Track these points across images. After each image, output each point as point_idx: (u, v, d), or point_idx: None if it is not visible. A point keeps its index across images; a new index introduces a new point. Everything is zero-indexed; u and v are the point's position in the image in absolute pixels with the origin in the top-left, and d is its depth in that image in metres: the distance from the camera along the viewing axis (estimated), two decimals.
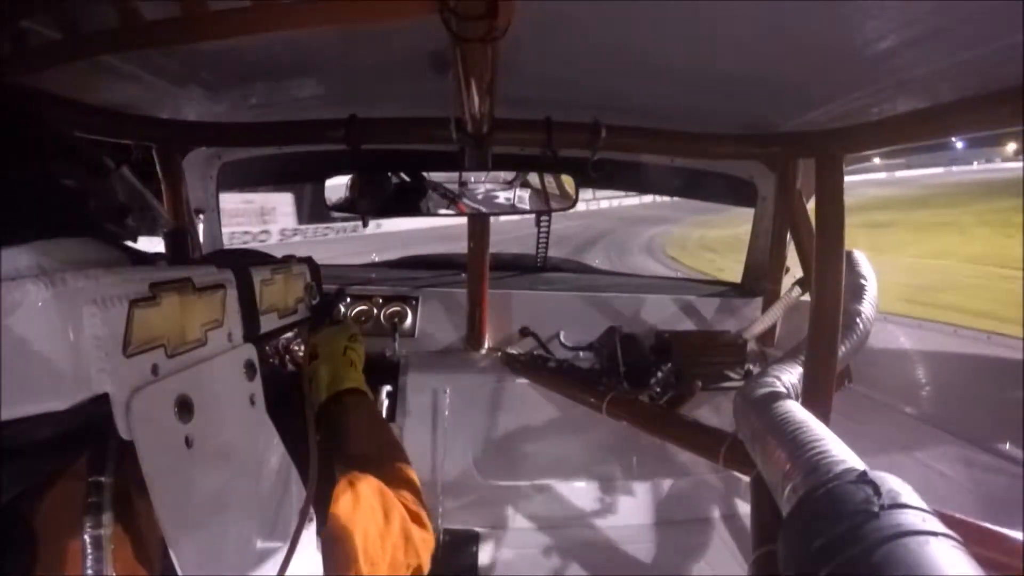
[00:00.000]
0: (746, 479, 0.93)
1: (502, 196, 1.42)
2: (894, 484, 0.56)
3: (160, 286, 0.40)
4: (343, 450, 0.67)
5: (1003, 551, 0.67)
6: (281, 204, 14.62)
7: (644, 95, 1.06)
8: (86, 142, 1.00)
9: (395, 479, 0.66)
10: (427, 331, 1.58)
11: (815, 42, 0.73)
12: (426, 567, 0.64)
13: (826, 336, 1.00)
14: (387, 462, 0.68)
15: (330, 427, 0.71)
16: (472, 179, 1.38)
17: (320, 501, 0.52)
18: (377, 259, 2.30)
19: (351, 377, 0.80)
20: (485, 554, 1.45)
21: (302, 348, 0.78)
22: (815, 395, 0.98)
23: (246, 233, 12.89)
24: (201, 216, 1.54)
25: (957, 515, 0.67)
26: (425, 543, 0.64)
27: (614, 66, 0.89)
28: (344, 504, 0.55)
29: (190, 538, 0.39)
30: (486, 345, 1.57)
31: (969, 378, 1.10)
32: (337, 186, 1.36)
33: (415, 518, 0.64)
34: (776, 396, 0.90)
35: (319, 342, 0.81)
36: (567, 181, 1.40)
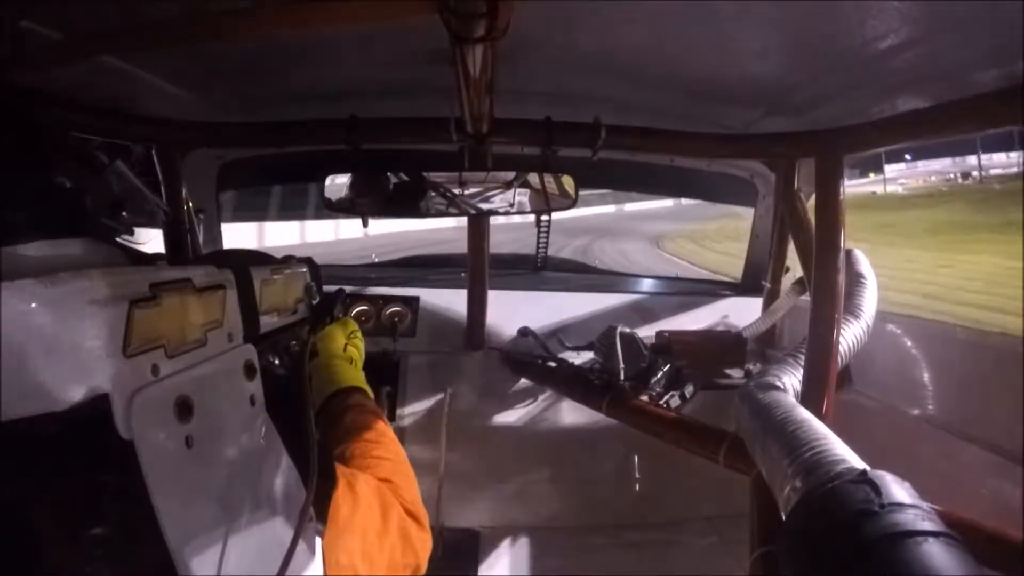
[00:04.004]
0: (746, 479, 0.93)
1: (502, 196, 1.42)
2: (894, 484, 0.56)
3: (160, 286, 0.40)
4: (342, 449, 0.67)
5: (1003, 551, 0.67)
6: None
7: (644, 95, 1.06)
8: (79, 139, 1.00)
9: (393, 478, 0.66)
10: (427, 331, 1.58)
11: (815, 42, 0.73)
12: (424, 566, 0.64)
13: (826, 336, 1.00)
14: (385, 461, 0.68)
15: (329, 425, 0.72)
16: (472, 179, 1.38)
17: (319, 500, 0.52)
18: (377, 259, 2.30)
19: (351, 375, 0.80)
20: (485, 554, 1.45)
21: (301, 348, 0.78)
22: (815, 395, 0.98)
23: None
24: (201, 216, 1.53)
25: (957, 514, 0.67)
26: (423, 542, 0.64)
27: (614, 66, 0.89)
28: (343, 504, 0.55)
29: (190, 538, 0.39)
30: (486, 345, 1.57)
31: (969, 377, 1.10)
32: (337, 186, 1.36)
33: (413, 517, 0.64)
34: (776, 396, 0.90)
35: (318, 340, 0.81)
36: (567, 181, 1.40)
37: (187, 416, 0.40)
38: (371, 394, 0.81)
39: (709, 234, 15.35)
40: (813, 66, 0.81)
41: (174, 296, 0.41)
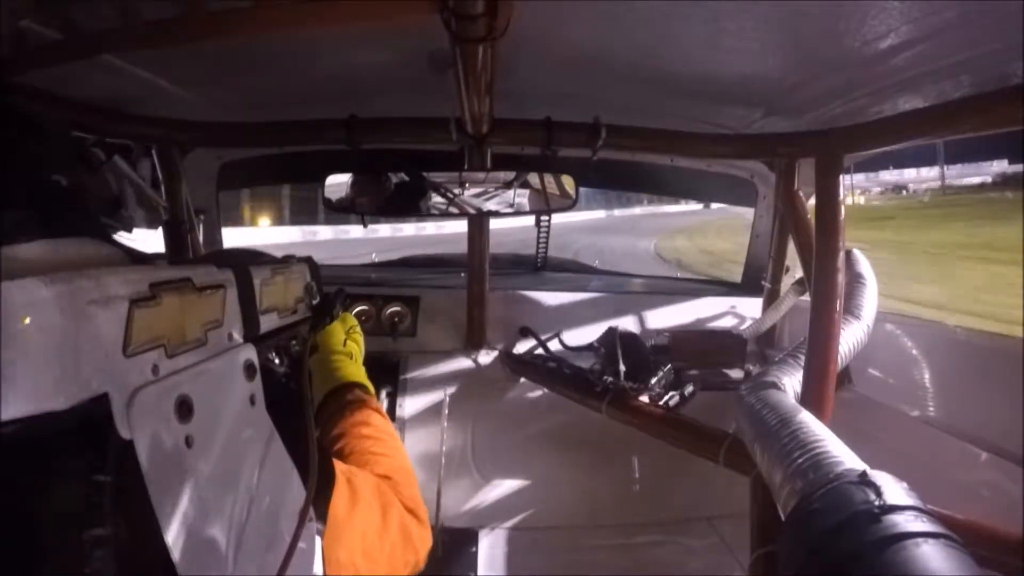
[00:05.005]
0: (746, 479, 0.93)
1: (502, 196, 1.42)
2: (894, 485, 0.56)
3: (160, 286, 0.40)
4: (341, 445, 0.68)
5: (1003, 551, 0.67)
6: None
7: (644, 95, 1.06)
8: (76, 138, 1.00)
9: (393, 475, 0.66)
10: (427, 331, 1.58)
11: (815, 42, 0.73)
12: (423, 563, 0.65)
13: (826, 336, 1.00)
14: (385, 457, 0.68)
15: (329, 422, 0.72)
16: (472, 179, 1.38)
17: (319, 499, 0.52)
18: (377, 259, 2.30)
19: (351, 371, 0.80)
20: (485, 553, 1.45)
21: (301, 347, 0.78)
22: (815, 395, 0.98)
23: None
24: (201, 216, 1.54)
25: (958, 515, 0.67)
26: (423, 539, 0.64)
27: (614, 66, 0.89)
28: (342, 502, 0.55)
29: (189, 538, 0.39)
30: (486, 345, 1.57)
31: (969, 377, 1.10)
32: (337, 186, 1.36)
33: (413, 514, 0.64)
34: (776, 396, 0.90)
35: (319, 336, 0.81)
36: (567, 181, 1.40)
37: (187, 416, 0.40)
38: (371, 389, 0.81)
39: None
40: (813, 66, 0.81)
41: (174, 296, 0.41)
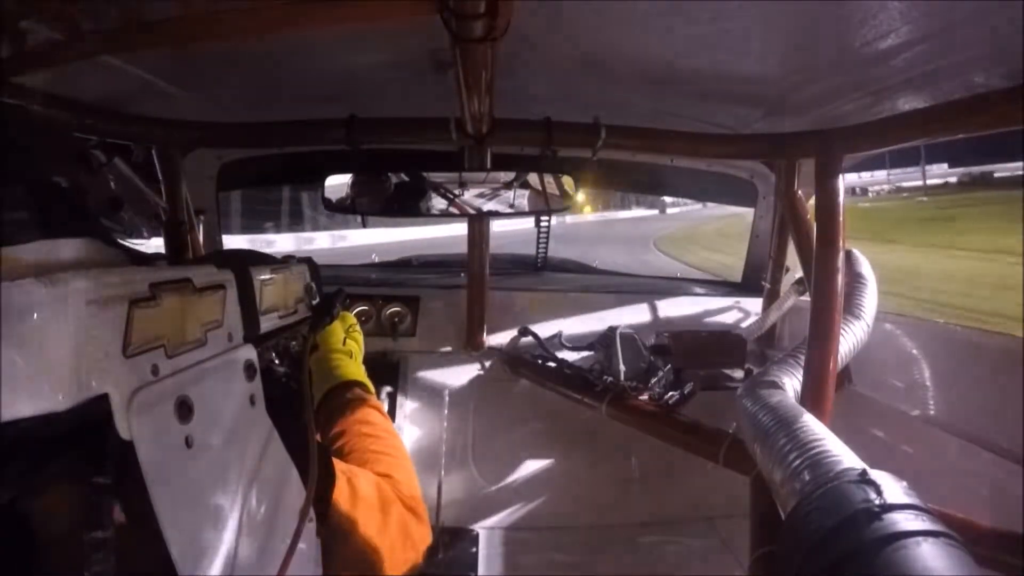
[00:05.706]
0: (746, 479, 0.93)
1: (501, 197, 1.42)
2: (894, 484, 0.56)
3: (160, 286, 0.40)
4: (341, 444, 0.68)
5: (1003, 550, 0.67)
6: None
7: (644, 95, 1.06)
8: (75, 138, 1.00)
9: (393, 473, 0.66)
10: (427, 331, 1.58)
11: (815, 42, 0.73)
12: (422, 561, 0.65)
13: (826, 336, 1.00)
14: (384, 456, 0.68)
15: (328, 420, 0.72)
16: (472, 179, 1.38)
17: (319, 499, 0.52)
18: (377, 259, 2.30)
19: (350, 370, 0.80)
20: (484, 553, 1.45)
21: (301, 347, 0.78)
22: (815, 395, 0.98)
23: None
24: (201, 216, 1.53)
25: (958, 515, 0.67)
26: (422, 536, 0.65)
27: (614, 66, 0.89)
28: (342, 501, 0.55)
29: (190, 538, 0.39)
30: (486, 345, 1.57)
31: (969, 377, 1.10)
32: (337, 186, 1.36)
33: (412, 512, 0.64)
34: (776, 396, 0.90)
35: (318, 335, 0.81)
36: (567, 181, 1.40)
37: (187, 416, 0.40)
38: (371, 387, 0.81)
39: None
40: (813, 66, 0.81)
41: (174, 296, 0.41)
